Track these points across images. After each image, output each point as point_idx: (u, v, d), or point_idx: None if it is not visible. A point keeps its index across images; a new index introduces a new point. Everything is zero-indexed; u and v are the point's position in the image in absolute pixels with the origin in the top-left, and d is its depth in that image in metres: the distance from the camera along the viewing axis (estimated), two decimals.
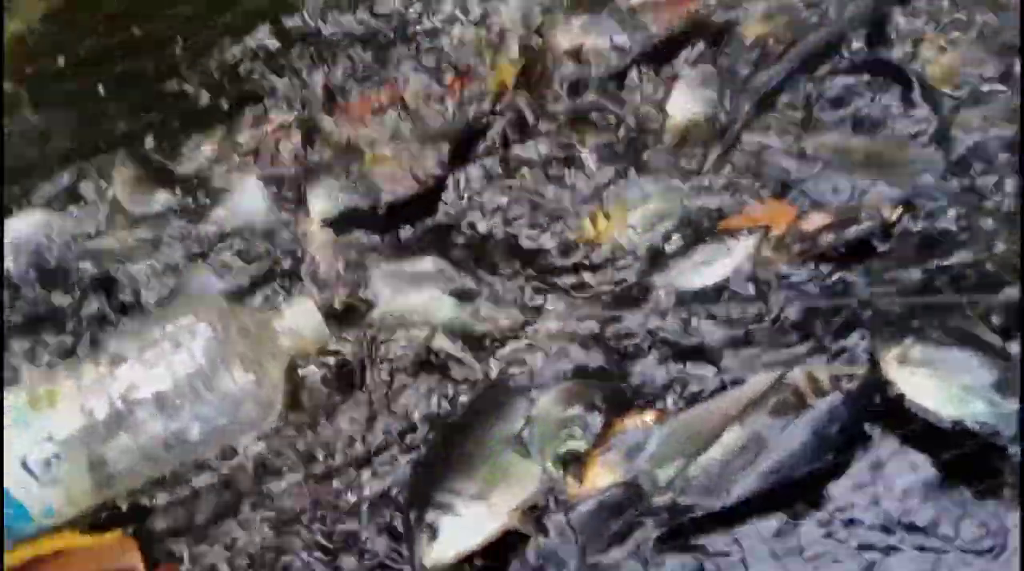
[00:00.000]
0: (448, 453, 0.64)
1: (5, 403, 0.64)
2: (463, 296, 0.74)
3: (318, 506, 0.64)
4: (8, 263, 0.85)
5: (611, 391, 0.66)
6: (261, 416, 0.67)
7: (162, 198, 0.90)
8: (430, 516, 0.59)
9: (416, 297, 0.75)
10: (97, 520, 0.65)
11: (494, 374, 0.69)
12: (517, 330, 0.71)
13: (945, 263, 0.68)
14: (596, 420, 0.63)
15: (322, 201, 0.84)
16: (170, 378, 0.65)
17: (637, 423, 0.63)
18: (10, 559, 0.62)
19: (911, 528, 0.56)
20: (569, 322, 0.70)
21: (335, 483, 0.65)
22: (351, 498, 0.64)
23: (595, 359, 0.68)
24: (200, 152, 0.94)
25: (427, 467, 0.64)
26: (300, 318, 0.70)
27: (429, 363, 0.71)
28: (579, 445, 0.62)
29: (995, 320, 0.63)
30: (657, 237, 0.76)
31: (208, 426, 0.66)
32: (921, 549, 0.55)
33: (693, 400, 0.64)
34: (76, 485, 0.63)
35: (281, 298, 0.77)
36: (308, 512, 0.64)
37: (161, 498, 0.66)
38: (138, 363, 0.66)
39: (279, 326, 0.69)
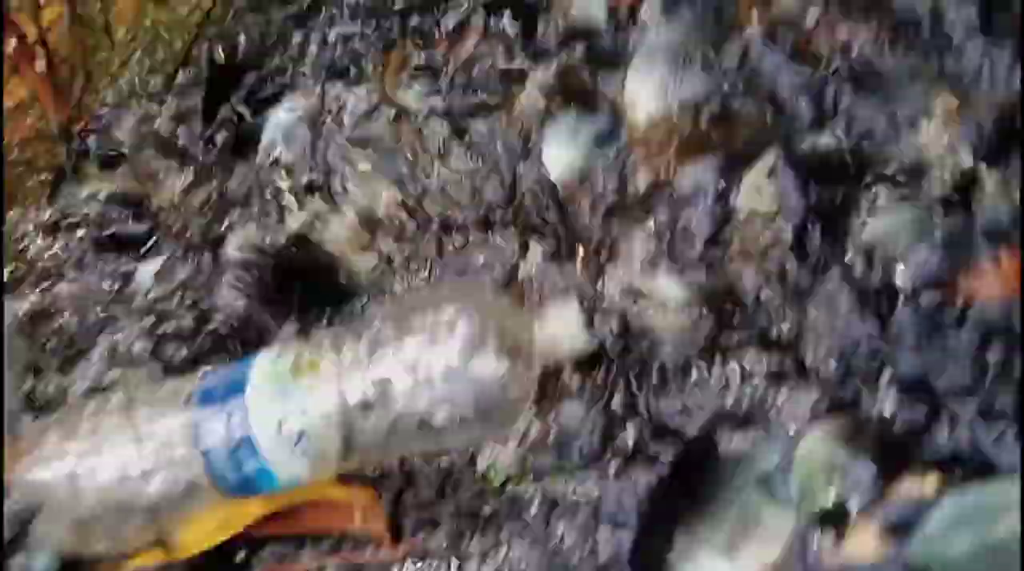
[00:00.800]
0: (691, 484, 0.60)
1: (271, 366, 0.65)
2: None
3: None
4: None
5: (883, 437, 0.58)
6: (510, 415, 0.65)
7: None
8: (671, 562, 0.56)
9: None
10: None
11: None
12: None
13: None
14: (866, 471, 0.56)
15: None
16: (424, 370, 0.63)
17: (913, 488, 0.55)
18: (260, 506, 0.65)
19: None
20: None
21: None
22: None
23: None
24: None
25: (668, 495, 0.60)
26: (562, 323, 0.66)
27: None
28: (847, 501, 0.56)
29: None
30: None
31: (456, 419, 0.65)
32: None
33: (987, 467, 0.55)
34: (323, 462, 0.64)
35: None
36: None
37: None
38: (396, 351, 0.64)
39: (540, 331, 0.65)
